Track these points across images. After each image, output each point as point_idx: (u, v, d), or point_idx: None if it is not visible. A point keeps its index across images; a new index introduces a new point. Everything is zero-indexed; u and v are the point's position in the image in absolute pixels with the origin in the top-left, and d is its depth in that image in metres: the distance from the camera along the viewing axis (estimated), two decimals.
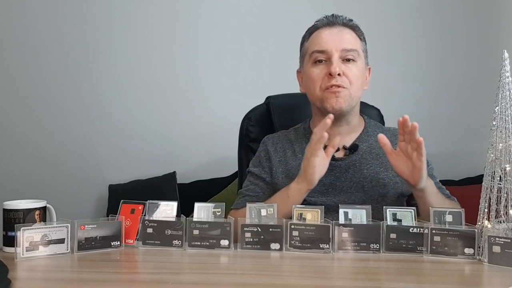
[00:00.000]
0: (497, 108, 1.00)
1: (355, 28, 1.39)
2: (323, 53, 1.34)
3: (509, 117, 0.99)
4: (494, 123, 1.00)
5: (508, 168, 0.99)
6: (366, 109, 1.62)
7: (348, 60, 1.34)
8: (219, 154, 2.80)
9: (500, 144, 0.99)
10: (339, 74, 1.31)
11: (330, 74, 1.32)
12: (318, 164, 1.24)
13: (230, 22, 2.83)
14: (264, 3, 2.84)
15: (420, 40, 2.84)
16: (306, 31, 1.43)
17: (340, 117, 1.37)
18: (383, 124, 1.63)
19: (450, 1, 2.84)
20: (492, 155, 1.01)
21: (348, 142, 1.41)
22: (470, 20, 2.83)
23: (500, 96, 0.99)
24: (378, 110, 1.69)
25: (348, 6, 2.58)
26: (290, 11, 2.80)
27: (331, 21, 1.38)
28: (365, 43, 1.41)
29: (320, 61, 1.35)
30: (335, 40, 1.35)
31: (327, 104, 1.34)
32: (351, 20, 1.40)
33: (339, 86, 1.32)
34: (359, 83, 1.36)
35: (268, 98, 1.71)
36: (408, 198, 1.40)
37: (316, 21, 1.41)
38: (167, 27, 2.83)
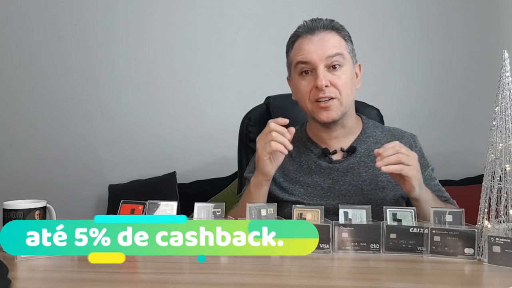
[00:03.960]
0: (497, 108, 1.00)
1: (338, 29, 1.36)
2: (307, 64, 1.33)
3: (509, 117, 0.99)
4: (494, 123, 1.00)
5: (508, 168, 0.99)
6: (366, 109, 1.61)
7: (334, 66, 1.32)
8: (219, 154, 2.79)
9: (500, 144, 0.99)
10: (326, 86, 1.30)
11: (317, 87, 1.31)
12: (269, 156, 1.26)
13: (230, 22, 2.83)
14: (264, 3, 2.84)
15: (420, 39, 2.83)
16: (289, 39, 1.40)
17: (334, 123, 1.37)
18: (383, 124, 1.62)
19: (450, 1, 2.84)
20: (492, 155, 1.01)
21: (346, 144, 1.41)
22: (470, 20, 2.83)
23: (500, 96, 0.99)
24: (378, 110, 1.68)
25: (347, 6, 2.59)
26: (290, 11, 2.79)
27: (311, 27, 1.34)
28: (351, 42, 1.38)
29: (306, 72, 1.34)
30: (318, 49, 1.32)
31: (318, 117, 1.34)
32: (333, 21, 1.37)
33: (328, 99, 1.31)
34: (349, 88, 1.34)
35: (268, 98, 1.71)
36: (408, 201, 1.40)
37: (297, 28, 1.38)
38: (167, 27, 2.83)
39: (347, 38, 1.37)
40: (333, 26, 1.35)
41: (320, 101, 1.32)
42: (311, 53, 1.32)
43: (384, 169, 1.15)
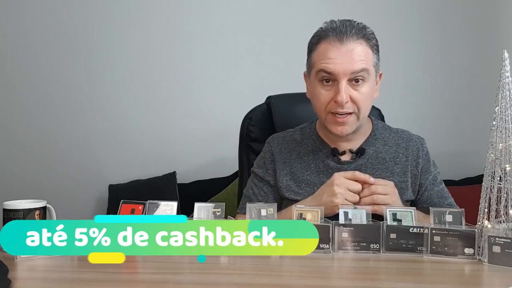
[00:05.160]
0: (497, 108, 1.00)
1: (368, 38, 1.30)
2: (330, 75, 1.28)
3: (509, 117, 0.99)
4: (494, 123, 1.00)
5: (508, 168, 0.99)
6: None
7: (357, 80, 1.28)
8: (219, 154, 2.80)
9: (500, 144, 0.99)
10: (346, 102, 1.28)
11: (337, 102, 1.28)
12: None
13: (230, 21, 2.83)
14: (264, 2, 2.84)
15: (420, 40, 2.83)
16: (314, 35, 1.33)
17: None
18: None
19: (450, 1, 2.84)
20: (492, 155, 1.01)
21: (355, 145, 1.40)
22: (470, 20, 2.83)
23: (500, 96, 0.99)
24: (379, 110, 1.68)
25: (348, 6, 2.59)
26: (290, 11, 2.79)
27: (340, 32, 1.27)
28: (378, 52, 1.33)
29: (327, 80, 1.29)
30: (344, 61, 1.26)
31: (333, 129, 1.33)
32: (365, 29, 1.30)
33: (345, 114, 1.29)
34: (368, 103, 1.32)
35: (268, 98, 1.71)
36: (412, 204, 1.39)
37: (325, 26, 1.31)
38: (167, 28, 2.83)
39: (374, 49, 1.31)
40: (364, 35, 1.29)
41: (336, 114, 1.30)
42: (336, 64, 1.26)
43: (359, 207, 1.17)
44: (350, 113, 1.30)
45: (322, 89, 1.31)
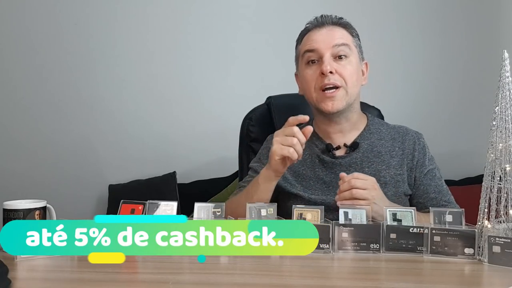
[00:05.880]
0: (497, 108, 1.00)
1: (345, 26, 1.40)
2: (314, 52, 1.35)
3: (509, 117, 0.99)
4: (494, 123, 1.00)
5: (508, 168, 0.99)
6: (367, 110, 1.61)
7: (340, 57, 1.34)
8: (219, 154, 2.80)
9: (500, 144, 0.99)
10: (331, 72, 1.31)
11: (323, 73, 1.32)
12: (282, 157, 1.23)
13: (230, 21, 2.83)
14: (264, 2, 2.84)
15: (420, 40, 2.83)
16: (299, 35, 1.44)
17: (339, 115, 1.37)
18: None
19: (450, 1, 2.84)
20: (492, 155, 1.01)
21: (350, 139, 1.42)
22: (470, 20, 2.83)
23: (500, 96, 0.99)
24: (379, 111, 1.68)
25: (347, 5, 2.59)
26: (290, 11, 2.79)
27: (320, 22, 1.39)
28: (358, 39, 1.41)
29: (313, 61, 1.36)
30: (325, 38, 1.35)
31: (323, 107, 1.35)
32: (341, 18, 1.41)
33: (333, 87, 1.32)
34: (354, 79, 1.36)
35: (269, 98, 1.72)
36: (411, 197, 1.40)
37: (307, 24, 1.42)
38: (168, 27, 2.83)
39: (354, 34, 1.41)
40: (341, 23, 1.39)
41: (325, 91, 1.33)
42: (318, 42, 1.36)
43: (339, 203, 1.16)
44: (338, 87, 1.33)
45: (309, 70, 1.37)
